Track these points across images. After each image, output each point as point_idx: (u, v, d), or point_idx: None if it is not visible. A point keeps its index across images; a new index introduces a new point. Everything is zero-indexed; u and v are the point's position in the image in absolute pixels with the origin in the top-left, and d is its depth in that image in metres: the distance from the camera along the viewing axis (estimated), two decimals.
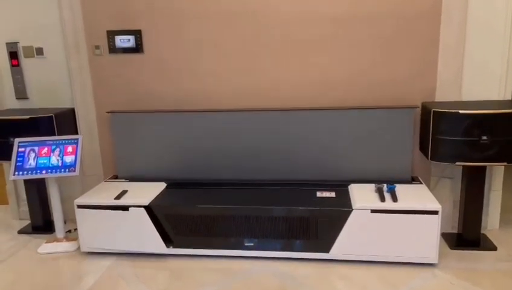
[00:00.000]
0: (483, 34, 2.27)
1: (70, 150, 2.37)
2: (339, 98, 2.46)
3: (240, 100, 2.54)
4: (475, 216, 2.27)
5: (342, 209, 2.11)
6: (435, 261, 2.10)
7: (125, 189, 2.40)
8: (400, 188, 2.26)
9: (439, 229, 2.06)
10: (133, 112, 2.53)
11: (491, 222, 2.48)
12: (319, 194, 2.29)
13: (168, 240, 2.26)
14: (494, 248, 2.26)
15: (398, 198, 2.13)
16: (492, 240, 2.34)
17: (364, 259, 2.15)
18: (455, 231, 2.43)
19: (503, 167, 2.41)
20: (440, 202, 2.11)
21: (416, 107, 2.34)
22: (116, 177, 2.64)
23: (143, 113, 2.52)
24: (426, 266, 2.12)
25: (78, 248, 2.39)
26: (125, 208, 2.23)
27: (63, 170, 2.34)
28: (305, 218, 2.14)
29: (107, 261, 2.29)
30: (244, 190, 2.38)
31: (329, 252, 2.16)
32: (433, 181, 2.48)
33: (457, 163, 2.13)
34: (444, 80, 2.35)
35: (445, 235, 2.39)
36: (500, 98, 2.33)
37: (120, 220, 2.25)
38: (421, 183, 2.34)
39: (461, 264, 2.13)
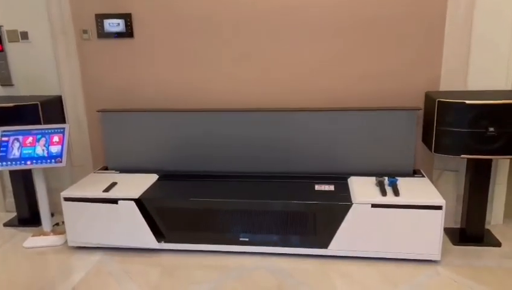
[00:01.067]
0: (491, 19, 2.15)
1: (57, 140, 2.26)
2: (339, 88, 2.35)
3: (239, 93, 2.42)
4: (479, 211, 2.18)
5: (341, 203, 2.01)
6: (437, 258, 2.01)
7: (115, 181, 2.30)
8: (401, 182, 2.16)
9: (443, 225, 1.97)
10: (125, 111, 2.42)
11: (495, 216, 2.40)
12: (317, 187, 2.19)
13: (159, 235, 2.17)
14: (499, 244, 2.18)
15: (400, 192, 2.04)
16: (496, 236, 2.26)
17: (364, 255, 2.06)
18: (458, 226, 2.35)
19: (509, 159, 2.32)
20: (443, 195, 2.02)
21: (418, 109, 2.24)
22: (106, 168, 2.53)
23: (134, 112, 2.41)
24: (428, 263, 2.03)
25: (66, 242, 2.29)
26: (114, 201, 2.13)
27: (49, 160, 2.23)
28: (302, 212, 2.05)
29: (96, 257, 2.19)
30: (239, 183, 2.28)
31: (328, 248, 2.07)
32: (436, 174, 2.39)
33: (462, 156, 2.03)
34: (449, 68, 2.24)
35: (447, 231, 2.30)
36: (508, 88, 2.22)
37: (109, 213, 2.14)
38: (424, 176, 2.25)
39: (465, 261, 2.05)
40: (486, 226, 2.32)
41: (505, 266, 2.01)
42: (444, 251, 2.10)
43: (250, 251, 2.15)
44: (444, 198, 1.99)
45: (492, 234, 2.28)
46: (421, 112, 2.31)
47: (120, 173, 2.44)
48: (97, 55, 2.46)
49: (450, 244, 2.21)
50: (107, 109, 2.48)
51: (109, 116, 2.44)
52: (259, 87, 2.41)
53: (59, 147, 2.25)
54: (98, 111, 2.44)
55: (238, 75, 2.40)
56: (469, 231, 2.21)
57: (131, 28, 2.39)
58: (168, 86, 2.47)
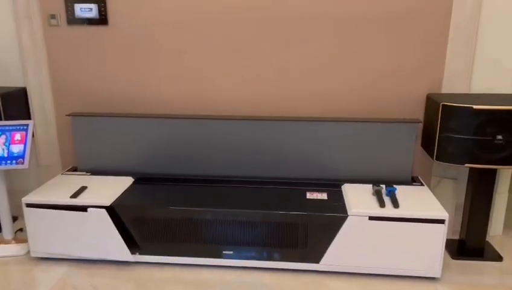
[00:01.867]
0: (498, 20, 1.99)
1: (19, 138, 2.01)
2: (336, 88, 2.16)
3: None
4: (481, 223, 2.03)
5: (336, 215, 1.83)
6: (437, 275, 1.86)
7: (85, 185, 2.06)
8: (399, 191, 2.00)
9: (445, 240, 1.82)
10: (97, 116, 2.19)
11: (495, 227, 2.26)
12: (309, 195, 2.01)
13: (133, 246, 1.95)
14: (500, 258, 2.04)
15: (399, 203, 1.87)
16: (496, 248, 2.12)
17: (359, 272, 1.89)
18: (456, 236, 2.20)
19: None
20: (441, 204, 1.87)
21: (418, 122, 2.07)
22: (75, 169, 2.29)
23: (108, 117, 2.18)
24: (427, 280, 1.88)
25: (29, 252, 2.05)
26: (82, 208, 1.90)
27: (9, 161, 1.98)
28: (292, 224, 1.86)
29: (61, 269, 1.96)
30: (223, 188, 2.08)
31: (320, 263, 1.89)
32: (434, 181, 2.23)
33: (466, 165, 1.87)
34: (453, 70, 2.08)
35: (446, 242, 2.15)
36: None
37: (77, 222, 1.92)
38: (423, 184, 2.09)
39: (465, 278, 1.90)
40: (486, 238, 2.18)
41: (506, 283, 1.87)
42: (443, 266, 1.95)
43: (233, 265, 1.95)
44: (442, 206, 1.84)
45: (492, 246, 2.14)
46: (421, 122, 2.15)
47: (91, 175, 2.21)
48: (67, 44, 2.21)
49: (449, 257, 2.06)
50: (77, 113, 2.23)
51: (80, 120, 2.19)
52: (246, 93, 2.20)
53: (21, 146, 2.00)
54: (68, 115, 2.19)
55: (226, 80, 2.19)
56: (469, 244, 2.07)
57: (106, 14, 2.14)
58: (142, 81, 2.23)
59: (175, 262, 1.97)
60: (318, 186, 2.10)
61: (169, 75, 2.21)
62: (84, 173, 2.24)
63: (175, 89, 2.23)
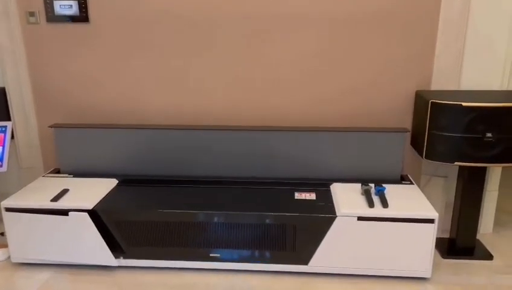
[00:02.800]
0: (488, 15, 1.96)
1: None
2: (325, 89, 2.12)
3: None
4: (471, 221, 2.01)
5: (324, 215, 1.80)
6: (428, 275, 1.83)
7: (66, 188, 2.00)
8: (389, 190, 1.96)
9: (435, 240, 1.79)
10: (80, 127, 2.14)
11: (485, 225, 2.24)
12: (297, 195, 1.97)
13: (118, 250, 1.90)
14: (490, 257, 2.02)
15: (388, 203, 1.84)
16: (486, 247, 2.10)
17: (348, 273, 1.86)
18: (446, 235, 2.18)
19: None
20: (430, 203, 1.84)
21: (407, 131, 2.04)
22: (58, 171, 2.23)
23: (91, 129, 2.14)
24: (418, 281, 1.85)
25: (10, 257, 1.99)
26: (64, 212, 1.84)
27: None
28: (280, 225, 1.82)
29: (43, 275, 1.90)
30: (209, 190, 2.03)
31: (308, 265, 1.86)
32: (424, 180, 2.21)
33: (456, 163, 1.85)
34: (442, 66, 2.05)
35: (436, 241, 2.13)
36: (503, 88, 2.05)
37: (58, 226, 1.86)
38: (412, 183, 2.06)
39: (455, 278, 1.88)
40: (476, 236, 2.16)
41: (497, 283, 1.85)
42: (433, 265, 1.92)
43: (221, 268, 1.91)
44: (432, 205, 1.81)
45: (483, 245, 2.12)
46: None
47: (74, 177, 2.15)
48: (46, 42, 2.14)
49: (439, 257, 2.03)
50: (60, 124, 2.18)
51: (62, 131, 2.13)
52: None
53: (0, 148, 1.93)
54: (50, 127, 2.13)
55: (215, 86, 2.14)
56: (459, 243, 2.05)
57: (87, 11, 2.07)
58: (129, 80, 2.18)
59: (161, 266, 1.92)
60: (306, 186, 2.06)
61: (156, 77, 2.16)
62: (66, 175, 2.17)
63: (162, 91, 2.17)
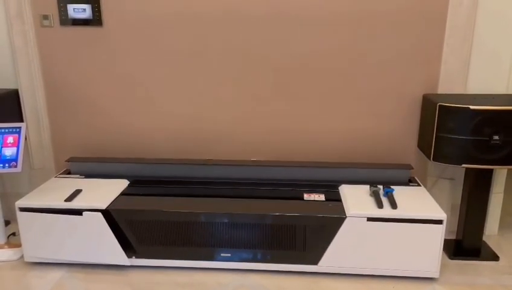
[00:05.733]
0: (494, 19, 2.00)
1: (11, 141, 1.97)
2: (328, 91, 2.16)
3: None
4: (477, 223, 2.04)
5: (334, 216, 1.83)
6: (436, 275, 1.86)
7: (79, 188, 2.03)
8: (397, 191, 1.99)
9: (443, 240, 1.82)
10: (97, 162, 2.21)
11: (490, 226, 2.27)
12: (306, 196, 2.00)
13: (130, 250, 1.93)
14: (496, 258, 2.05)
15: (397, 204, 1.87)
16: (492, 248, 2.13)
17: (357, 272, 1.89)
18: (453, 237, 2.21)
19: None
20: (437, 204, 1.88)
21: (410, 169, 2.11)
22: (69, 172, 2.26)
23: (107, 163, 2.20)
24: (425, 281, 1.88)
25: (22, 257, 2.02)
26: (78, 212, 1.87)
27: (1, 165, 1.94)
28: (290, 225, 1.85)
29: (56, 274, 1.93)
30: (220, 191, 2.06)
31: (318, 264, 1.89)
32: (431, 181, 2.24)
33: (463, 165, 1.88)
34: (449, 69, 2.08)
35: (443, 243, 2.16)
36: (509, 92, 2.08)
37: (72, 226, 1.89)
38: (419, 185, 2.09)
39: (463, 278, 1.91)
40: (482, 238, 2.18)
41: (504, 283, 1.88)
42: (441, 266, 1.95)
43: (231, 268, 1.94)
44: (440, 207, 1.85)
45: (489, 246, 2.15)
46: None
47: (85, 177, 2.18)
48: (60, 45, 2.18)
49: (446, 258, 2.06)
50: (76, 157, 2.25)
51: (77, 164, 2.17)
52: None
53: (14, 149, 1.96)
54: (67, 161, 2.21)
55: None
56: (466, 244, 2.08)
57: (100, 14, 2.11)
58: (142, 84, 2.21)
59: (172, 265, 1.95)
60: (315, 187, 2.09)
61: (169, 79, 2.19)
62: (78, 175, 2.20)
63: (175, 95, 2.21)
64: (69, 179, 2.15)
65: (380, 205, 1.85)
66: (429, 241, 1.81)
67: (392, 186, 2.00)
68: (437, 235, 1.81)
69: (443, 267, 1.97)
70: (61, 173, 2.24)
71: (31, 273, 1.94)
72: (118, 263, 1.93)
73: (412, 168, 2.12)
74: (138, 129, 2.27)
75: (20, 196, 1.99)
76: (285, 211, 1.85)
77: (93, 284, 1.86)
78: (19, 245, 2.07)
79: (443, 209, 2.18)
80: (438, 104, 1.87)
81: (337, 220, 1.83)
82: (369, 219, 1.81)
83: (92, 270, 1.96)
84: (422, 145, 2.10)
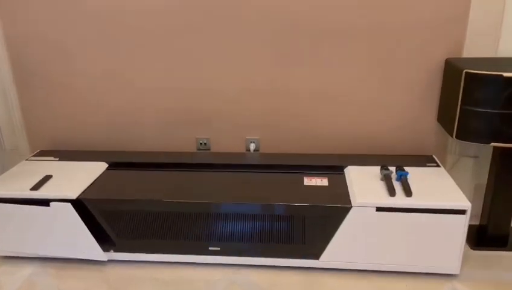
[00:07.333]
0: None
1: None
2: (342, 50, 1.85)
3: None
4: (505, 207, 1.76)
5: (338, 205, 1.57)
6: (456, 271, 1.61)
7: (49, 174, 1.80)
8: (412, 174, 1.72)
9: (466, 233, 1.55)
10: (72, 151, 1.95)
11: None
12: (306, 181, 1.74)
13: (107, 243, 1.71)
14: None
15: (412, 190, 1.60)
16: None
17: (363, 268, 1.65)
18: (475, 221, 1.94)
19: None
20: (458, 185, 1.60)
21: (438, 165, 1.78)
22: (44, 153, 2.03)
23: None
24: (444, 278, 1.63)
25: None
26: (45, 202, 1.65)
27: None
28: (286, 216, 1.60)
29: (27, 270, 1.73)
30: (209, 174, 1.81)
31: (320, 259, 1.65)
32: (451, 160, 1.95)
33: (492, 144, 1.58)
34: (477, 28, 1.74)
35: None
36: None
37: (39, 218, 1.67)
38: (439, 165, 1.80)
39: (487, 274, 1.65)
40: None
41: None
42: (462, 258, 1.70)
43: (221, 263, 1.71)
44: (461, 188, 1.57)
45: None
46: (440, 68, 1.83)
47: (59, 160, 1.94)
48: (24, 12, 1.89)
49: (467, 247, 1.80)
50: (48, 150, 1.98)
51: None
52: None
53: None
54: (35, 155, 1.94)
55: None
56: (491, 231, 1.81)
57: None
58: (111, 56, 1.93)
59: (154, 260, 1.73)
60: (318, 169, 1.82)
61: (154, 53, 1.90)
62: (52, 158, 1.97)
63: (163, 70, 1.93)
64: (41, 162, 1.92)
65: (391, 192, 1.58)
66: (449, 234, 1.55)
67: (406, 169, 1.72)
68: (459, 227, 1.54)
69: (464, 259, 1.72)
70: (34, 155, 2.01)
71: (0, 269, 1.75)
72: (92, 259, 1.72)
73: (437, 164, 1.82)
74: (119, 107, 2.01)
75: None
76: (281, 199, 1.60)
77: (66, 281, 1.66)
78: None
79: (465, 190, 1.92)
80: (464, 71, 1.56)
81: (341, 210, 1.57)
82: (379, 209, 1.55)
83: (66, 265, 1.76)
84: (443, 119, 1.80)
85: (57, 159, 1.96)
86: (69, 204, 1.64)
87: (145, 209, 1.64)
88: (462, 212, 1.53)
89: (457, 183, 1.94)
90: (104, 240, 1.70)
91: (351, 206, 1.56)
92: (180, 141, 2.05)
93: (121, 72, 1.95)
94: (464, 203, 1.52)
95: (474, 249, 1.79)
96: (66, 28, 1.90)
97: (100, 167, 1.88)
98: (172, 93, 1.96)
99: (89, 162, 1.91)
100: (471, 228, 1.90)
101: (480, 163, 1.93)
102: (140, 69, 1.93)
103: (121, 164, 1.91)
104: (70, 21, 1.88)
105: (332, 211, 1.57)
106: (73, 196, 1.65)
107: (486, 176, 1.81)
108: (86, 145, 2.08)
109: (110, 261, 1.75)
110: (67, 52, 1.94)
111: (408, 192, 1.57)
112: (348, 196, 1.61)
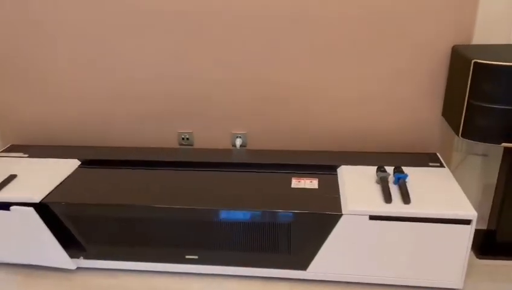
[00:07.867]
0: None
1: None
2: (340, 37, 1.65)
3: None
4: None
5: (327, 213, 1.40)
6: (458, 285, 1.44)
7: (14, 173, 1.66)
8: (412, 176, 1.54)
9: (470, 245, 1.38)
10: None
11: None
12: (294, 183, 1.57)
13: (77, 249, 1.57)
14: None
15: (410, 196, 1.42)
16: None
17: (355, 280, 1.49)
18: (483, 226, 1.76)
19: None
20: (464, 185, 1.43)
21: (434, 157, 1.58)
22: (14, 148, 1.88)
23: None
24: None
25: None
26: (5, 206, 1.50)
27: None
28: (269, 223, 1.44)
29: None
30: (189, 174, 1.65)
31: (307, 270, 1.49)
32: (457, 158, 1.76)
33: (503, 144, 1.40)
34: (489, 12, 1.54)
35: None
36: None
37: (1, 222, 1.53)
38: (442, 165, 1.62)
39: (494, 288, 1.48)
40: None
41: None
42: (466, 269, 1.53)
43: (198, 272, 1.57)
44: (466, 188, 1.40)
45: None
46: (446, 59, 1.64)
47: (29, 157, 1.79)
48: None
49: (473, 256, 1.63)
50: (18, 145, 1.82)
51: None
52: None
53: None
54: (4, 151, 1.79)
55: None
56: (500, 237, 1.64)
57: None
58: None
59: (126, 268, 1.59)
60: (308, 169, 1.65)
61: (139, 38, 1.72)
62: (21, 154, 1.82)
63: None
64: (8, 159, 1.78)
65: (387, 198, 1.41)
66: (452, 245, 1.38)
67: (405, 171, 1.54)
68: (463, 239, 1.37)
69: (468, 270, 1.55)
70: (3, 151, 1.86)
71: None
72: (59, 266, 1.58)
73: (439, 163, 1.63)
74: (94, 98, 1.84)
75: None
76: (264, 205, 1.44)
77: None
78: None
79: (473, 192, 1.74)
80: (473, 61, 1.36)
81: (331, 218, 1.40)
82: (372, 218, 1.38)
83: (33, 271, 1.62)
84: (449, 114, 1.61)
85: (26, 155, 1.81)
86: (32, 209, 1.49)
87: (117, 214, 1.49)
88: (467, 222, 1.35)
89: (463, 184, 1.76)
90: (73, 246, 1.56)
91: (342, 214, 1.39)
92: (161, 135, 1.89)
93: (96, 60, 1.78)
94: (469, 212, 1.35)
95: (480, 258, 1.62)
96: (35, 17, 1.72)
97: (72, 164, 1.73)
98: (152, 84, 1.79)
99: (60, 159, 1.76)
100: (477, 233, 1.72)
101: (490, 161, 1.74)
102: (116, 57, 1.76)
103: (94, 161, 1.76)
104: (38, 12, 1.71)
105: (320, 219, 1.41)
106: (37, 199, 1.50)
107: (496, 175, 1.63)
108: (59, 139, 1.93)
109: (79, 268, 1.62)
110: (38, 42, 1.77)
111: (406, 198, 1.40)
112: (339, 201, 1.44)
